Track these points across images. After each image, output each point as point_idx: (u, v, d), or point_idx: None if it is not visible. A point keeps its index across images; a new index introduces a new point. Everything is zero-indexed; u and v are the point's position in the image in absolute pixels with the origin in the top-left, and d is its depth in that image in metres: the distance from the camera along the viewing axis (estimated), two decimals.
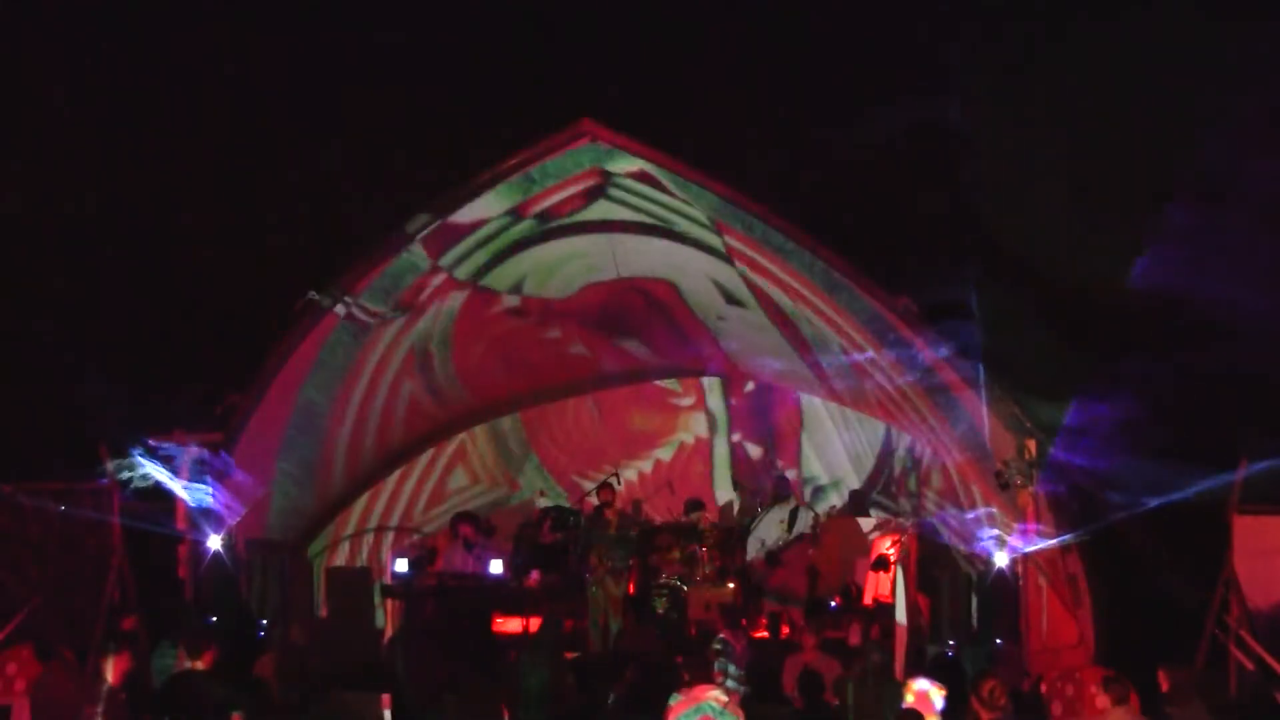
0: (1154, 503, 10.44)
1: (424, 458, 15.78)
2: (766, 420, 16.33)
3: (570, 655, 11.29)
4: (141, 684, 9.23)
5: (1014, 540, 11.29)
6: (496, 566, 13.60)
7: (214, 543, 12.52)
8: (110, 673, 7.89)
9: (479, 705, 10.24)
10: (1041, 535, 11.08)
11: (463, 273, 13.45)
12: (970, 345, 11.34)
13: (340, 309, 12.84)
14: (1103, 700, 10.38)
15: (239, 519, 12.70)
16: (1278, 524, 10.56)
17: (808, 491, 16.02)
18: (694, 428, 16.71)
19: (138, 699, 8.59)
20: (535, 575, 14.07)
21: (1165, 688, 9.16)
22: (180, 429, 12.42)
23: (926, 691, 6.84)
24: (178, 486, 12.31)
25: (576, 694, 10.05)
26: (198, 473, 12.43)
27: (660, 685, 8.08)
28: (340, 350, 13.28)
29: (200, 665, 8.72)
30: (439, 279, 13.38)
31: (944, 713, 6.83)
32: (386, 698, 10.43)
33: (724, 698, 5.30)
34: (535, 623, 12.32)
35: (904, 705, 6.91)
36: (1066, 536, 11.38)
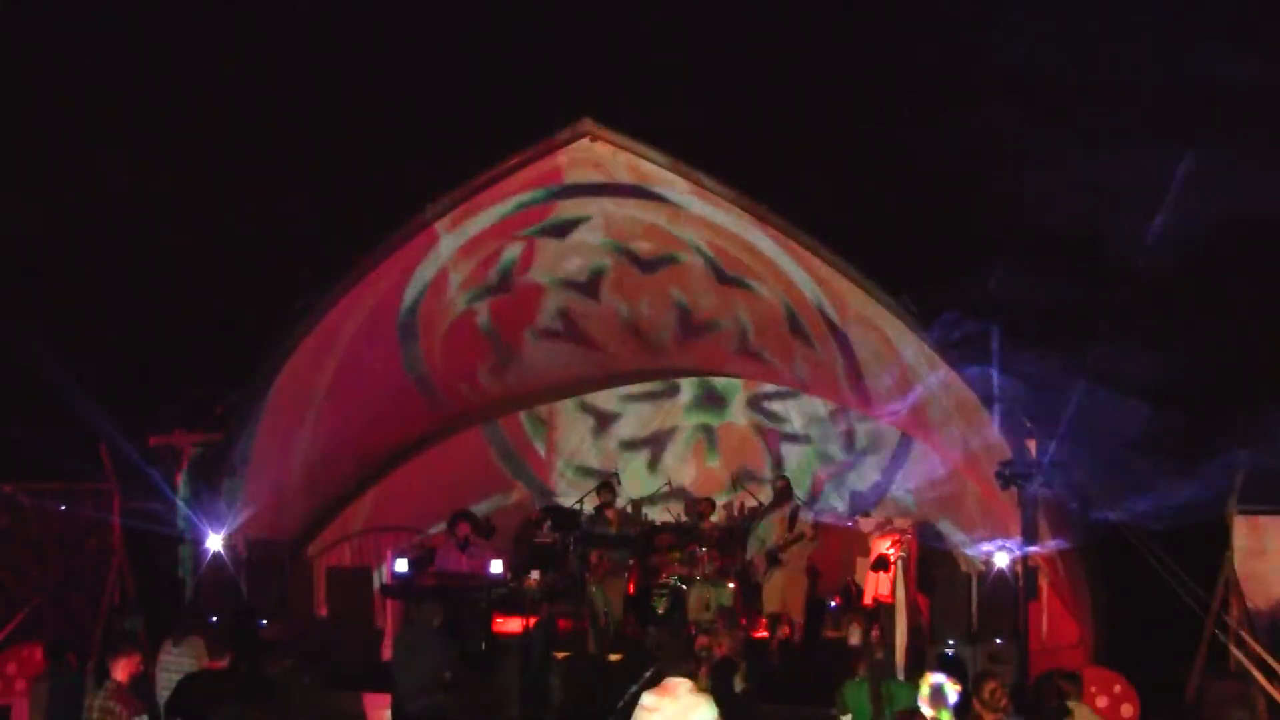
0: (1154, 506, 10.47)
1: (425, 457, 15.76)
2: (768, 420, 16.31)
3: (562, 655, 11.27)
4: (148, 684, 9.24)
5: (1014, 541, 11.29)
6: (496, 566, 13.58)
7: (214, 543, 12.52)
8: (119, 673, 7.91)
9: (472, 704, 10.30)
10: (1041, 536, 11.08)
11: (464, 271, 13.45)
12: (970, 343, 11.33)
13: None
14: (1103, 700, 10.44)
15: (239, 519, 12.70)
16: (1278, 524, 10.59)
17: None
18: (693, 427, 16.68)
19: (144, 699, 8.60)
20: (535, 575, 14.05)
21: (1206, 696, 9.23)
22: (180, 429, 12.43)
23: (941, 685, 6.84)
24: (178, 486, 12.33)
25: (566, 694, 10.04)
26: (198, 473, 12.44)
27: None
28: (344, 349, 13.26)
29: (218, 666, 8.77)
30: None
31: (956, 709, 6.81)
32: (369, 697, 10.43)
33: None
34: (535, 623, 12.31)
35: (919, 697, 6.90)
36: (1067, 537, 11.39)
